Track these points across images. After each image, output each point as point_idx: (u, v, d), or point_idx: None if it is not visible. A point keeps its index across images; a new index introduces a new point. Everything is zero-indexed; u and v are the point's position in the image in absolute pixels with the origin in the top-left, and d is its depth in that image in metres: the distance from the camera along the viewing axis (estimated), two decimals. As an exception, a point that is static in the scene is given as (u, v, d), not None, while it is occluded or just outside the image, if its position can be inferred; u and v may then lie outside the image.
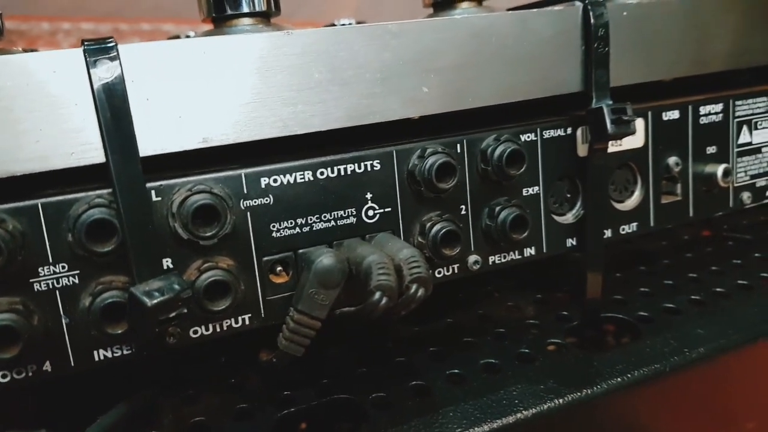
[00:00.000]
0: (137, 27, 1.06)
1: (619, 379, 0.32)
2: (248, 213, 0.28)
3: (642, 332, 0.36)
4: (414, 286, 0.27)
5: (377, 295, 0.26)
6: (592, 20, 0.34)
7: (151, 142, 0.26)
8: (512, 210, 0.33)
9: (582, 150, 0.35)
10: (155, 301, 0.24)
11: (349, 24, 0.56)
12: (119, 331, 0.26)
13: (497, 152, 0.32)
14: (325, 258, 0.28)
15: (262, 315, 0.29)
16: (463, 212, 0.33)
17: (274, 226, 0.29)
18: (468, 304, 0.40)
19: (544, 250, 0.36)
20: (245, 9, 0.33)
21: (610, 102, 0.34)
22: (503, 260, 0.35)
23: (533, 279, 0.43)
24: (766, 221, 0.51)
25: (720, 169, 0.39)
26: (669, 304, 0.39)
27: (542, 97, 0.34)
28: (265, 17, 0.33)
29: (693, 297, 0.39)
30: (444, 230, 0.31)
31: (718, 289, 0.40)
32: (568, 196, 0.36)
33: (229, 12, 0.33)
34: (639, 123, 0.37)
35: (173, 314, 0.25)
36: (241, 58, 0.27)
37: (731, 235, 0.48)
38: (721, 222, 0.50)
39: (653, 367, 0.33)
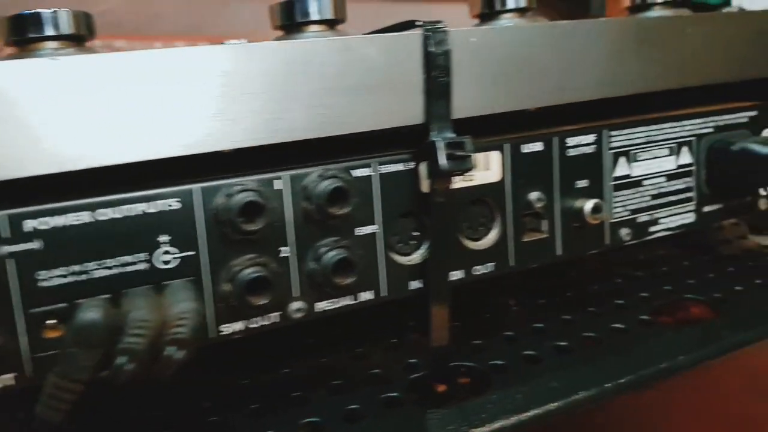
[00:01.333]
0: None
1: (443, 444, 0.29)
2: (10, 260, 0.25)
3: (492, 384, 0.33)
4: (170, 349, 0.24)
5: (119, 359, 0.23)
6: (431, 48, 0.31)
7: None
8: (338, 252, 0.30)
9: (425, 185, 0.32)
10: None
11: (240, 44, 0.53)
12: None
13: (319, 189, 0.30)
14: (85, 313, 0.24)
15: (30, 374, 0.26)
16: (283, 255, 0.30)
17: (42, 275, 0.26)
18: (312, 351, 0.37)
19: (384, 294, 0.33)
20: (48, 32, 0.30)
21: (451, 135, 0.31)
22: (334, 306, 0.32)
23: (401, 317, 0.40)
24: (665, 255, 0.48)
25: (588, 205, 0.36)
26: (530, 351, 0.36)
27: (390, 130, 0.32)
28: (76, 40, 0.30)
29: (559, 343, 0.36)
30: (250, 277, 0.28)
31: (588, 334, 0.37)
32: (415, 234, 0.33)
33: (30, 35, 0.30)
34: (494, 156, 0.34)
35: None
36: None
37: (623, 272, 0.45)
38: (619, 257, 0.48)
39: (488, 427, 0.30)
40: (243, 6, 0.90)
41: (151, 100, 0.27)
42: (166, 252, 0.28)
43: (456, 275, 0.34)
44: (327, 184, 0.29)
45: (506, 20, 0.38)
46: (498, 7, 0.38)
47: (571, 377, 0.33)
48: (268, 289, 0.29)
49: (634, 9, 0.42)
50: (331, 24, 0.34)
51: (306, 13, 0.34)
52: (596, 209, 0.36)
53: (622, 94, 0.36)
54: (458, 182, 0.33)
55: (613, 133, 0.37)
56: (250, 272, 0.29)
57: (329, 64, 0.29)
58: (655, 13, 0.40)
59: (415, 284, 0.33)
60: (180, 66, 0.27)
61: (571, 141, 0.36)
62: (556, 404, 0.32)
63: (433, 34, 0.31)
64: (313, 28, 0.34)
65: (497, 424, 0.30)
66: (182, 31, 0.92)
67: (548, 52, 0.34)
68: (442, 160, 0.30)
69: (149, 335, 0.23)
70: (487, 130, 0.36)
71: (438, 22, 0.31)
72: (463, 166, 0.30)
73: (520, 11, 0.38)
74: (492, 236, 0.35)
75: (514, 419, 0.30)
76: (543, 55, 0.34)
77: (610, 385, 0.33)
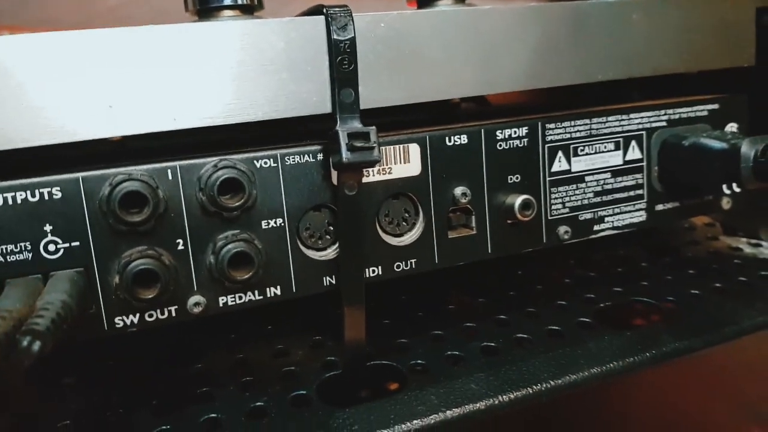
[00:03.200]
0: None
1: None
2: None
3: (408, 384, 0.32)
4: (24, 339, 0.23)
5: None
6: (334, 34, 0.30)
7: None
8: (235, 245, 0.29)
9: (335, 178, 0.31)
10: None
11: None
12: None
13: (210, 180, 0.29)
14: (-52, 302, 0.24)
15: None
16: (180, 247, 0.29)
17: None
18: (232, 346, 0.36)
19: (294, 290, 0.32)
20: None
21: (358, 125, 0.30)
22: (239, 301, 0.31)
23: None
24: (624, 256, 0.46)
25: (518, 201, 0.34)
26: (455, 352, 0.34)
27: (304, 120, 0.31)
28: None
29: (487, 344, 0.35)
30: (136, 269, 0.28)
31: (521, 335, 0.36)
32: (330, 228, 0.32)
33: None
34: (413, 149, 0.33)
35: None
36: None
37: (574, 272, 0.43)
38: (574, 256, 0.46)
39: (395, 428, 0.29)
40: None
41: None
42: (52, 242, 0.27)
43: (374, 272, 0.33)
44: (219, 175, 0.29)
45: (444, 6, 0.36)
46: (434, -9, 0.36)
47: (492, 380, 0.32)
48: (156, 283, 0.28)
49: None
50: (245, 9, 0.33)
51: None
52: (526, 206, 0.35)
53: (554, 86, 0.35)
54: (373, 175, 0.32)
55: (549, 126, 0.36)
56: (136, 264, 0.28)
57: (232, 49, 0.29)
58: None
59: (328, 280, 0.32)
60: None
61: (500, 134, 0.35)
62: (470, 407, 0.30)
63: (335, 18, 0.30)
64: (227, 13, 0.33)
65: (405, 426, 0.29)
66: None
67: (469, 39, 0.33)
68: (344, 151, 0.29)
69: (7, 325, 0.23)
70: (415, 121, 0.35)
71: (343, 6, 0.30)
72: (366, 158, 0.29)
73: (458, -4, 0.36)
74: (415, 232, 0.34)
75: (424, 421, 0.29)
76: (462, 42, 0.33)
77: (529, 390, 0.31)
